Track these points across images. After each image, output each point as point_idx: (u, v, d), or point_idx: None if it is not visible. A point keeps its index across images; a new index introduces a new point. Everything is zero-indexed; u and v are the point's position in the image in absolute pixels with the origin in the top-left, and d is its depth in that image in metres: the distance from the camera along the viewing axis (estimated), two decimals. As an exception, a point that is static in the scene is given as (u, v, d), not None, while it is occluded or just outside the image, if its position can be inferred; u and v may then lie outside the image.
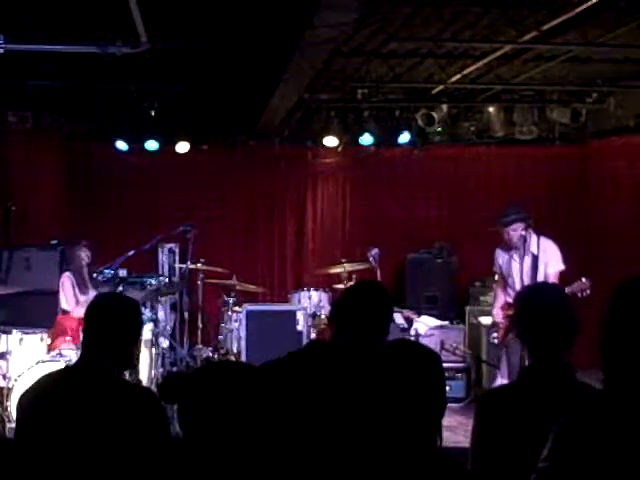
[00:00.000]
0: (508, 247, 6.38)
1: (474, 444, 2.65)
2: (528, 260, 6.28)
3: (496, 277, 6.77)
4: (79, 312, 6.66)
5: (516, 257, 6.35)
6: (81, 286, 7.01)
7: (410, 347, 2.48)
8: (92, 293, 6.92)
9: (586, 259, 6.51)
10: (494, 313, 6.55)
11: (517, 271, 6.33)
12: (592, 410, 1.94)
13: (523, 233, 6.25)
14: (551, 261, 6.28)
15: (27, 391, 2.86)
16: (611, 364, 1.96)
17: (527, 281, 6.21)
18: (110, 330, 2.84)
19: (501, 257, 6.53)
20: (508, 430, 2.53)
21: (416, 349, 2.45)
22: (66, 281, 7.03)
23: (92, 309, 2.93)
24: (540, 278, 6.22)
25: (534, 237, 6.31)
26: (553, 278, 6.22)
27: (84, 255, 7.02)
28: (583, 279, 5.97)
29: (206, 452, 2.35)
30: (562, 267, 6.27)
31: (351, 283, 8.26)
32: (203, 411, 2.37)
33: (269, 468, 2.46)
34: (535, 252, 6.27)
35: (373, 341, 2.83)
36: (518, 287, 6.18)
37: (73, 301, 6.96)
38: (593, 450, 1.85)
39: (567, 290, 5.95)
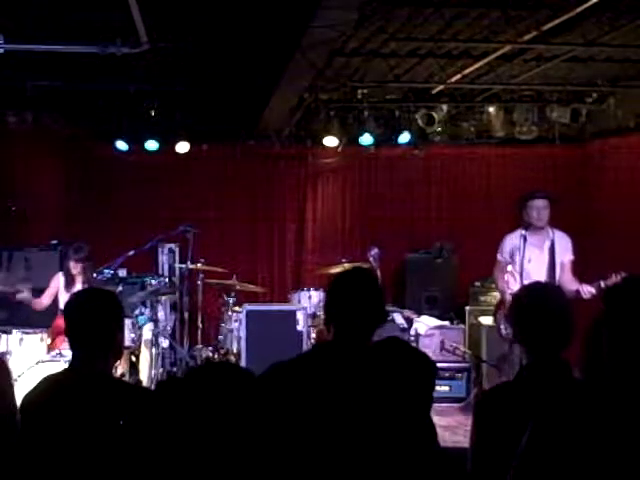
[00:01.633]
0: (525, 229, 6.22)
1: (473, 443, 2.65)
2: (547, 246, 6.21)
3: (498, 266, 6.46)
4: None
5: (535, 241, 6.21)
6: (69, 285, 7.00)
7: (399, 348, 2.48)
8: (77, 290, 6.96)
9: (585, 259, 6.49)
10: (508, 300, 6.10)
11: (535, 256, 6.18)
12: (565, 407, 1.94)
13: (549, 213, 6.19)
14: (567, 250, 6.24)
15: (28, 395, 2.86)
16: (593, 359, 1.97)
17: (544, 268, 6.14)
18: (94, 326, 2.84)
19: (513, 243, 6.31)
20: (506, 429, 2.53)
21: (405, 350, 2.46)
22: (54, 279, 7.07)
23: (70, 309, 2.93)
24: (557, 265, 6.16)
25: (548, 226, 6.28)
26: (568, 266, 6.19)
27: (71, 265, 7.00)
28: (622, 273, 5.78)
29: (201, 455, 2.35)
30: (572, 257, 6.24)
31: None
32: (195, 415, 2.38)
33: (266, 470, 2.46)
34: (553, 239, 6.21)
35: (370, 331, 2.78)
36: (533, 273, 6.09)
37: (47, 299, 7.02)
38: (564, 447, 1.85)
39: (603, 284, 5.88)
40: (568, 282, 6.09)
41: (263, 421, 2.55)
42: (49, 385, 2.87)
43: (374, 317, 2.77)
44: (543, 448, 1.90)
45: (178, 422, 2.43)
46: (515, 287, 6.15)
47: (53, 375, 2.96)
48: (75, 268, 6.99)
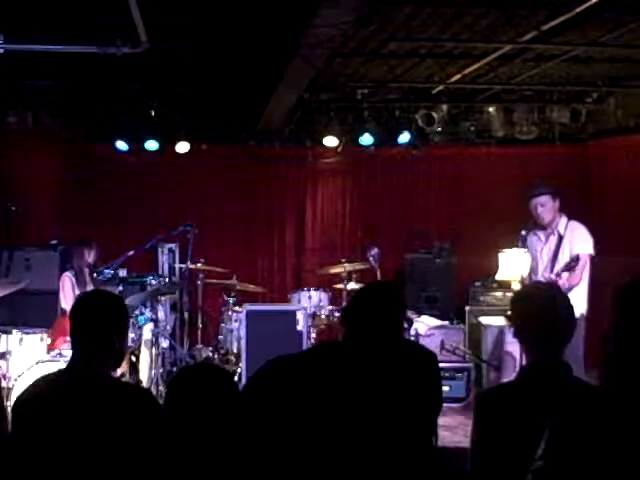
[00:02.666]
0: (535, 227, 6.09)
1: (473, 443, 2.65)
2: (553, 239, 6.01)
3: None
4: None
5: (542, 237, 6.06)
6: (80, 285, 7.00)
7: (407, 347, 2.48)
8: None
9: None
10: None
11: (540, 251, 6.03)
12: (586, 408, 1.94)
13: (553, 207, 5.97)
14: (579, 243, 5.93)
15: (22, 395, 2.85)
16: (612, 363, 1.96)
17: (548, 262, 5.94)
18: (98, 328, 2.83)
19: (528, 240, 6.17)
20: (507, 429, 2.53)
21: (413, 349, 2.45)
22: (67, 281, 7.04)
23: (77, 310, 2.92)
24: (564, 259, 5.87)
25: (564, 218, 6.04)
26: (581, 261, 5.79)
27: (87, 256, 7.01)
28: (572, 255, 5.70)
29: (198, 454, 2.35)
30: (590, 251, 5.90)
31: (356, 285, 8.24)
32: (184, 415, 2.39)
33: (265, 469, 2.46)
34: (562, 232, 5.97)
35: (384, 342, 2.80)
36: (541, 270, 5.96)
37: (72, 302, 6.96)
38: (587, 448, 1.84)
39: (559, 269, 5.72)
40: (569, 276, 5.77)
41: (256, 419, 2.55)
42: (42, 385, 2.86)
43: (388, 334, 2.80)
44: (566, 452, 1.89)
45: (172, 423, 2.43)
46: None
47: (47, 375, 2.96)
48: (86, 260, 6.97)
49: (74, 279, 7.04)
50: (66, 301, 6.99)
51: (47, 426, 2.69)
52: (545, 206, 6.02)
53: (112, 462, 2.64)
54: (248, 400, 2.63)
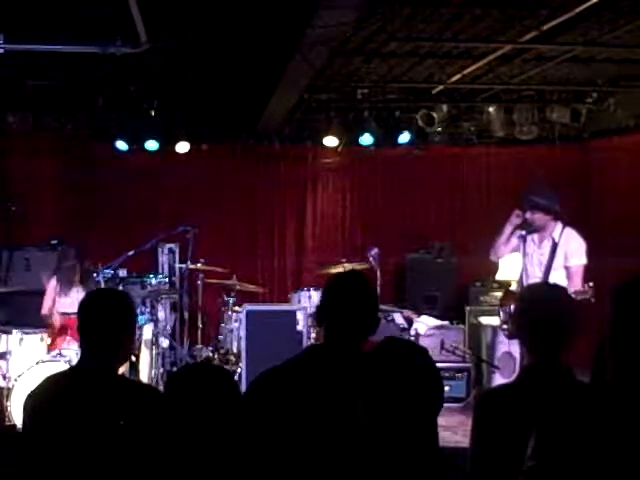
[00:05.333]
0: (527, 226, 6.04)
1: (472, 444, 2.65)
2: (547, 245, 5.93)
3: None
4: (55, 316, 6.80)
5: (535, 239, 6.00)
6: (64, 288, 6.98)
7: (401, 346, 2.47)
8: (74, 293, 6.93)
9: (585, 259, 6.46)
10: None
11: (531, 254, 6.00)
12: (573, 407, 1.94)
13: (545, 218, 5.91)
14: (574, 253, 5.86)
15: (32, 393, 2.85)
16: (614, 359, 1.96)
17: (540, 268, 5.91)
18: (106, 326, 2.83)
19: (517, 237, 6.14)
20: (506, 430, 2.53)
21: (407, 348, 2.44)
22: (48, 285, 7.05)
23: (85, 308, 2.92)
24: (557, 268, 5.86)
25: (559, 224, 5.93)
26: (575, 273, 5.80)
27: (66, 264, 7.00)
28: (586, 285, 5.60)
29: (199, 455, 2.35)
30: (585, 261, 5.84)
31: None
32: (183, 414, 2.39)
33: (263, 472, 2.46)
34: (556, 239, 5.89)
35: (364, 334, 2.78)
36: (529, 272, 5.96)
37: (47, 306, 6.97)
38: (575, 447, 1.84)
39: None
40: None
41: (251, 424, 2.55)
42: (53, 383, 2.86)
43: (366, 323, 2.77)
44: (550, 454, 1.89)
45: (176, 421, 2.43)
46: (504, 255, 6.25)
47: (57, 374, 2.97)
48: (74, 274, 6.97)
49: (56, 283, 7.03)
50: (43, 304, 7.00)
51: (59, 424, 2.70)
52: (536, 215, 5.98)
53: (123, 460, 2.64)
54: (248, 411, 2.62)
